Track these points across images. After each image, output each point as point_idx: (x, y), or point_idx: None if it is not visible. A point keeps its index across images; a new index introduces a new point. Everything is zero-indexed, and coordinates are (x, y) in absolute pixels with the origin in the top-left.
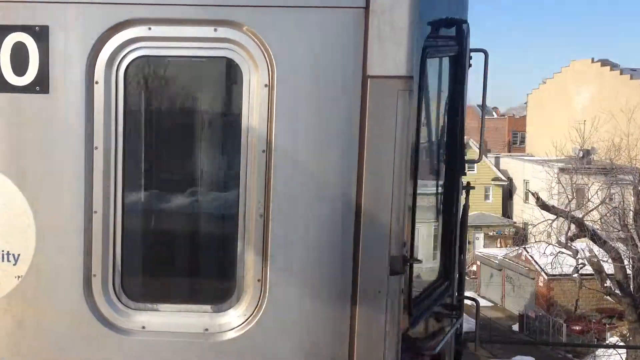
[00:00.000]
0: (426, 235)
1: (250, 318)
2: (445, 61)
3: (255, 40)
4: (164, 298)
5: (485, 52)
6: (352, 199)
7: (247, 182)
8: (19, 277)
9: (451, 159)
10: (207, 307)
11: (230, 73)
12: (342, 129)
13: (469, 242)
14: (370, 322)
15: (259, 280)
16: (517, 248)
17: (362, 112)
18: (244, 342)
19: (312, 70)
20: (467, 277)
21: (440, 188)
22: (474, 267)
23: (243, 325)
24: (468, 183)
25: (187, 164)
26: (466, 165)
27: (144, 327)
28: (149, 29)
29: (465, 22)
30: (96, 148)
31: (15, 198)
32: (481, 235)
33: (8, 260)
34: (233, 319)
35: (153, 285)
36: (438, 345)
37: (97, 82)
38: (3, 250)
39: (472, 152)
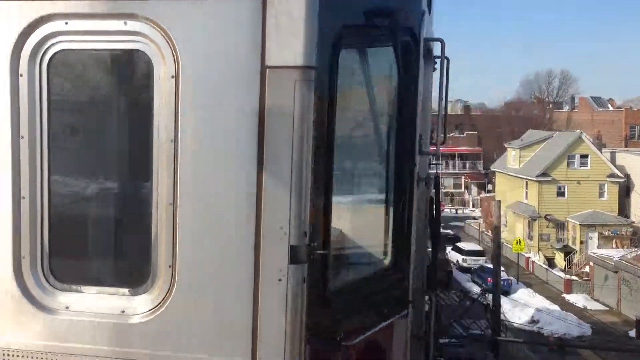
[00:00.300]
0: (365, 226)
1: (162, 302)
2: (384, 51)
3: (162, 32)
4: (87, 280)
5: (442, 42)
6: (254, 189)
7: (158, 171)
8: None
9: (400, 151)
10: (125, 290)
11: (142, 65)
12: (243, 119)
13: (581, 242)
14: (272, 309)
15: (170, 266)
16: (635, 249)
17: (262, 102)
18: (156, 325)
19: (213, 61)
20: (579, 279)
21: (386, 180)
22: (587, 269)
23: (155, 308)
24: (436, 176)
25: (105, 152)
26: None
27: (67, 307)
28: (66, 23)
29: (393, 11)
30: (22, 137)
31: None
32: (595, 235)
33: None
34: (147, 302)
35: (77, 268)
36: (358, 337)
37: (21, 75)
38: None
39: (586, 146)
